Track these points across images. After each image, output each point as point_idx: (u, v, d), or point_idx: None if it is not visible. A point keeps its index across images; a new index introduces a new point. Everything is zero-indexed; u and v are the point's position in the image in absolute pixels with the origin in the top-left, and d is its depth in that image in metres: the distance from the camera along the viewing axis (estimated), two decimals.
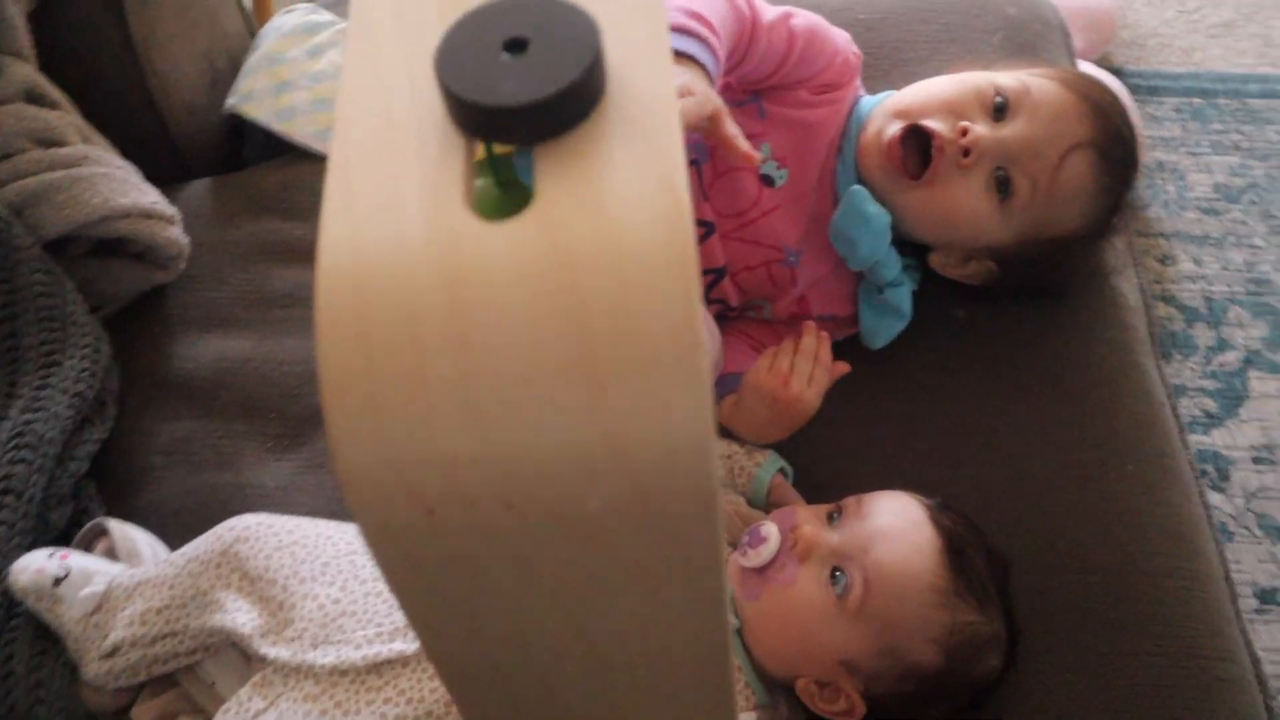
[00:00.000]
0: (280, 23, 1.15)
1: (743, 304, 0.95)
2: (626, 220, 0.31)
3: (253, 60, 1.12)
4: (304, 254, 1.05)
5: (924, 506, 0.76)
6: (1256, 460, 1.41)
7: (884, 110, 0.89)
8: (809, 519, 0.76)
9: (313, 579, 0.74)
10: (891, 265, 0.88)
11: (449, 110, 0.33)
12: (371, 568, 0.76)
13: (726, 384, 0.90)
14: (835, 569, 0.73)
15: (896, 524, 0.75)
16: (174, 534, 0.87)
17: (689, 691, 0.44)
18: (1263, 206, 1.66)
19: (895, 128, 0.86)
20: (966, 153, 0.84)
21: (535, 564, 0.34)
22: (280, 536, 0.77)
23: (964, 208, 0.86)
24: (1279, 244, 1.62)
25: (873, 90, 0.95)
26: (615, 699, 0.44)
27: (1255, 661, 0.82)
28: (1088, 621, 0.81)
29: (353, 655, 0.70)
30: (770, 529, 0.75)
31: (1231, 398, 1.46)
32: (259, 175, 1.11)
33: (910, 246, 0.93)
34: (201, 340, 1.01)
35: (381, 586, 0.73)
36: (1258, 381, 1.48)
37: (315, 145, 1.09)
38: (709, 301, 0.93)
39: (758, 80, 0.90)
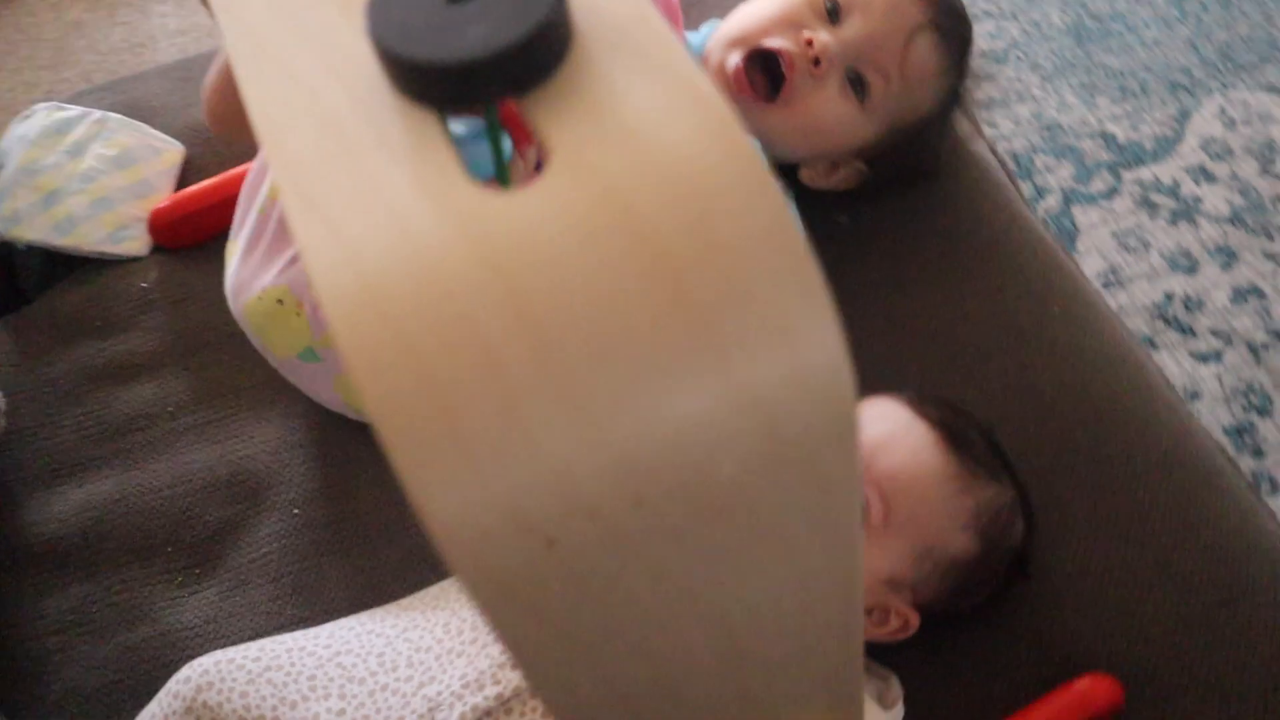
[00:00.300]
0: (23, 131, 1.01)
1: None
2: (668, 141, 0.26)
3: (4, 179, 0.99)
4: (141, 367, 0.94)
5: (905, 403, 0.74)
6: (1106, 285, 1.48)
7: (719, 42, 0.87)
8: None
9: (304, 700, 0.65)
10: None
11: (401, 84, 0.27)
12: (366, 659, 0.68)
13: None
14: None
15: (889, 430, 0.72)
16: (105, 715, 0.77)
17: (821, 678, 0.40)
18: (1029, 60, 1.75)
19: (736, 57, 0.84)
20: (817, 62, 0.83)
21: (668, 563, 0.29)
22: (247, 668, 0.67)
23: (827, 116, 0.85)
24: (1054, 89, 1.70)
25: (694, 25, 0.93)
26: (748, 696, 0.40)
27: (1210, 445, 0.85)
28: (1074, 463, 0.82)
29: None
30: None
31: (1066, 237, 1.53)
32: (54, 300, 0.98)
33: (777, 169, 0.89)
34: (56, 495, 0.88)
35: (385, 678, 0.66)
36: (1081, 215, 1.56)
37: (112, 249, 0.97)
38: None
39: None
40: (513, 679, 0.63)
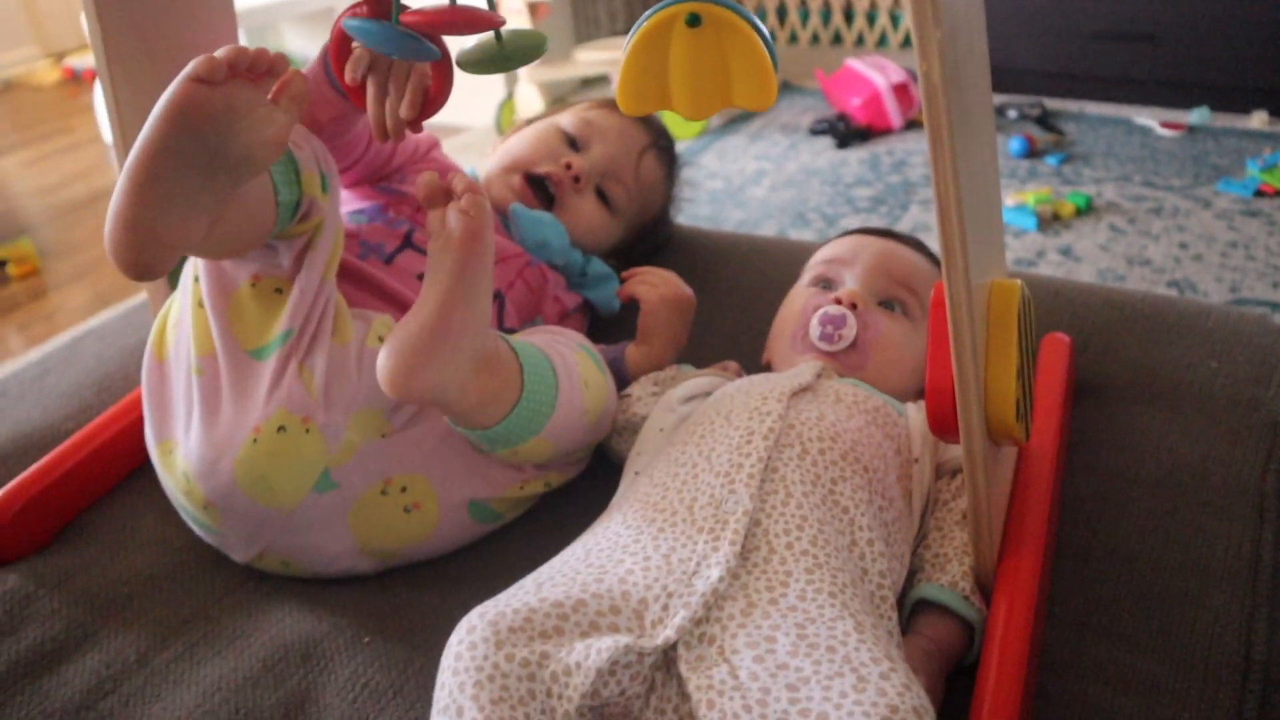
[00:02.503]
0: None
1: (523, 324, 1.01)
2: None
3: None
4: (61, 649, 0.78)
5: (858, 234, 0.97)
6: None
7: (495, 171, 1.10)
8: (827, 296, 0.88)
9: (602, 565, 0.64)
10: (574, 252, 1.06)
11: None
12: (616, 539, 0.70)
13: (611, 355, 0.97)
14: (881, 302, 0.88)
15: (855, 244, 0.94)
16: None
17: None
18: None
19: (516, 179, 1.07)
20: (577, 179, 1.07)
21: None
22: (524, 586, 0.61)
23: (590, 221, 1.09)
24: None
25: None
26: None
27: None
28: None
29: None
30: (838, 312, 0.85)
31: None
32: None
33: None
34: None
35: (650, 531, 0.70)
36: None
37: None
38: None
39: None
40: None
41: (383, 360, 0.71)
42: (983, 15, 0.72)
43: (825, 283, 0.92)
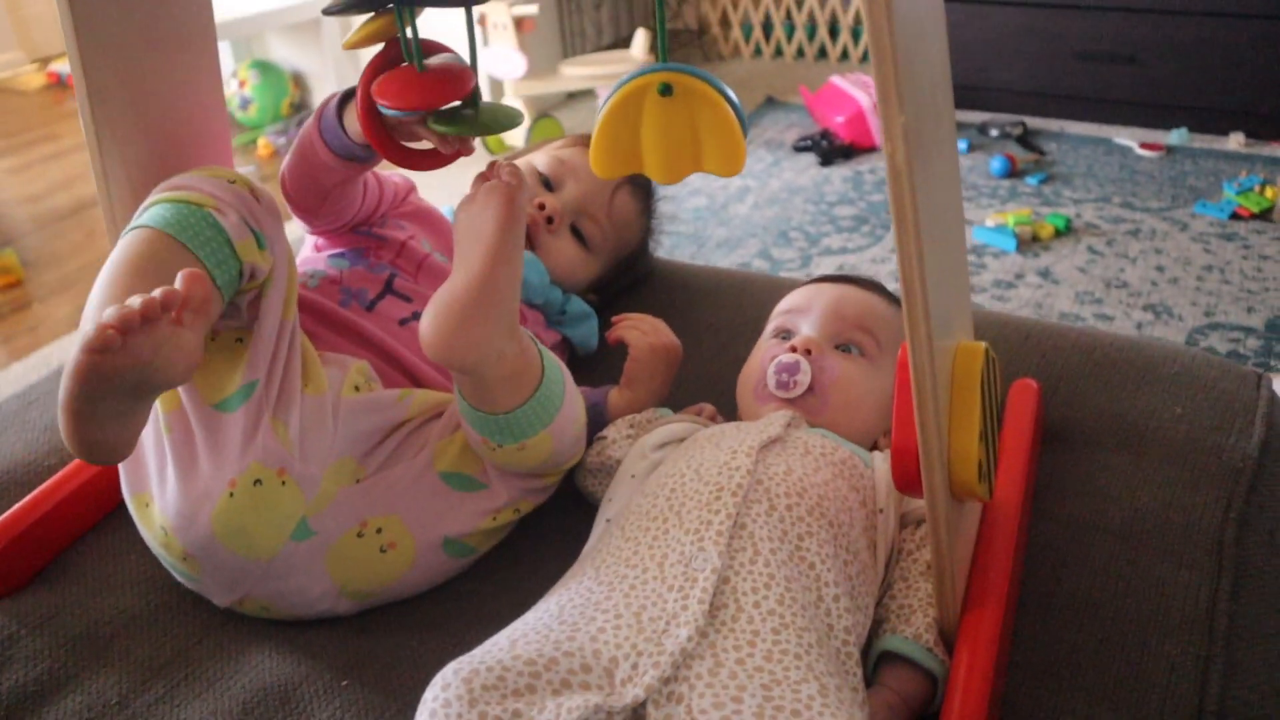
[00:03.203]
0: None
1: None
2: None
3: None
4: (42, 691, 0.79)
5: (814, 284, 0.99)
6: None
7: None
8: (783, 346, 0.90)
9: (575, 623, 0.65)
10: (553, 290, 1.08)
11: None
12: (586, 600, 0.71)
13: (593, 399, 0.98)
14: (838, 345, 0.91)
15: (811, 292, 0.96)
16: None
17: None
18: None
19: None
20: (550, 220, 1.08)
21: None
22: (498, 643, 0.62)
23: (567, 259, 1.10)
24: None
25: None
26: None
27: None
28: None
29: None
30: (791, 360, 0.88)
31: None
32: None
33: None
34: None
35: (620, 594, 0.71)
36: None
37: None
38: None
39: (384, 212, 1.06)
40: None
41: (427, 321, 0.73)
42: (947, 67, 0.74)
43: (784, 333, 0.95)
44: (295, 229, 1.03)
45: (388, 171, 1.06)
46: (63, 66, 4.08)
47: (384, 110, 0.78)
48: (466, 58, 0.81)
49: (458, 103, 0.79)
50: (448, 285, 0.74)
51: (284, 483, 0.79)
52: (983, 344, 0.70)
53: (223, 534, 0.78)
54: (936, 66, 0.69)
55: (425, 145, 0.84)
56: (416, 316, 0.95)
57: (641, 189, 1.19)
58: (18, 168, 3.27)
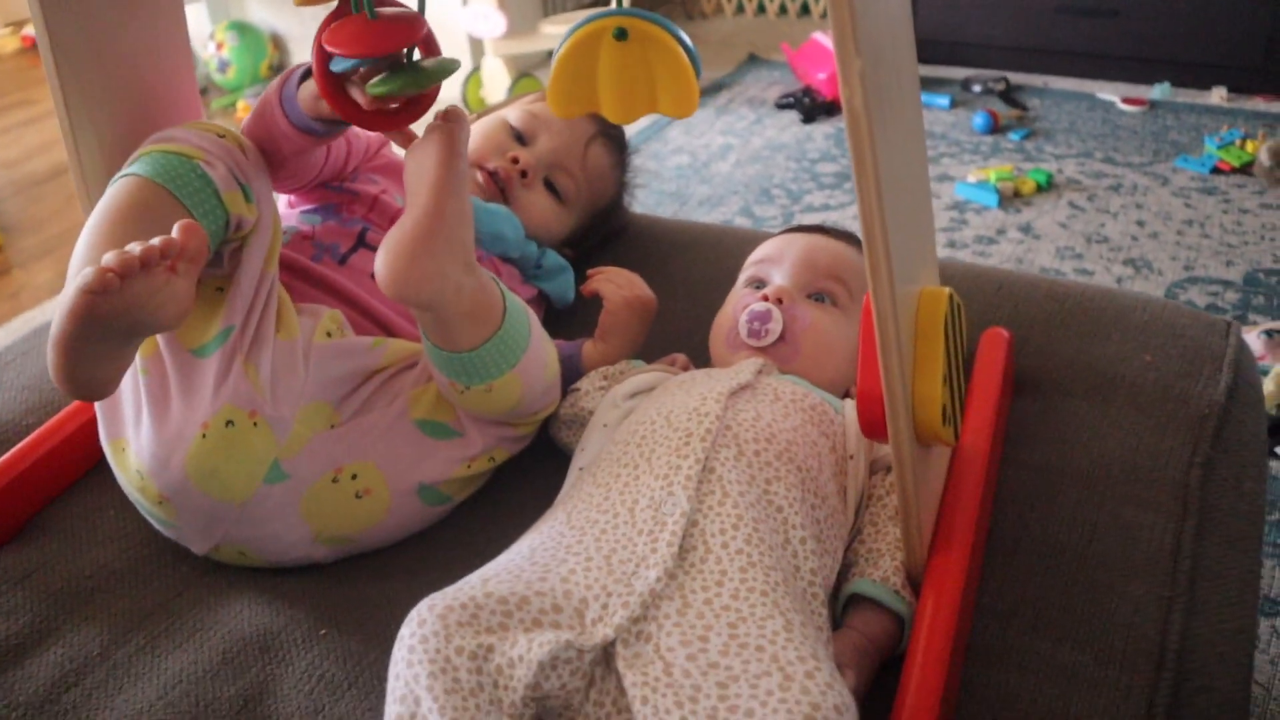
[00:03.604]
0: None
1: None
2: None
3: None
4: (23, 645, 0.80)
5: (784, 233, 1.01)
6: None
7: None
8: (755, 295, 0.91)
9: (548, 564, 0.66)
10: (529, 245, 1.08)
11: None
12: (559, 540, 0.72)
13: (568, 351, 0.98)
14: (810, 294, 0.91)
15: (783, 242, 0.97)
16: None
17: None
18: None
19: (477, 173, 1.08)
20: (524, 174, 1.08)
21: None
22: (470, 581, 0.63)
23: (541, 213, 1.10)
24: None
25: None
26: None
27: None
28: None
29: None
30: (763, 309, 0.88)
31: None
32: None
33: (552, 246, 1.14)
34: None
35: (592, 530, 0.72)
36: None
37: None
38: None
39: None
40: None
41: (381, 259, 0.74)
42: (909, 20, 0.74)
43: (757, 283, 0.95)
44: None
45: None
46: None
47: (338, 61, 0.77)
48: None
49: (396, 63, 0.78)
50: (398, 225, 0.75)
51: (255, 424, 0.80)
52: (947, 289, 0.71)
53: (196, 476, 0.79)
54: (897, 18, 0.69)
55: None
56: None
57: (615, 141, 1.19)
58: None
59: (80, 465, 0.96)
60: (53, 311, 0.69)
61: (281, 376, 0.81)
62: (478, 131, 1.13)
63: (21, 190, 2.82)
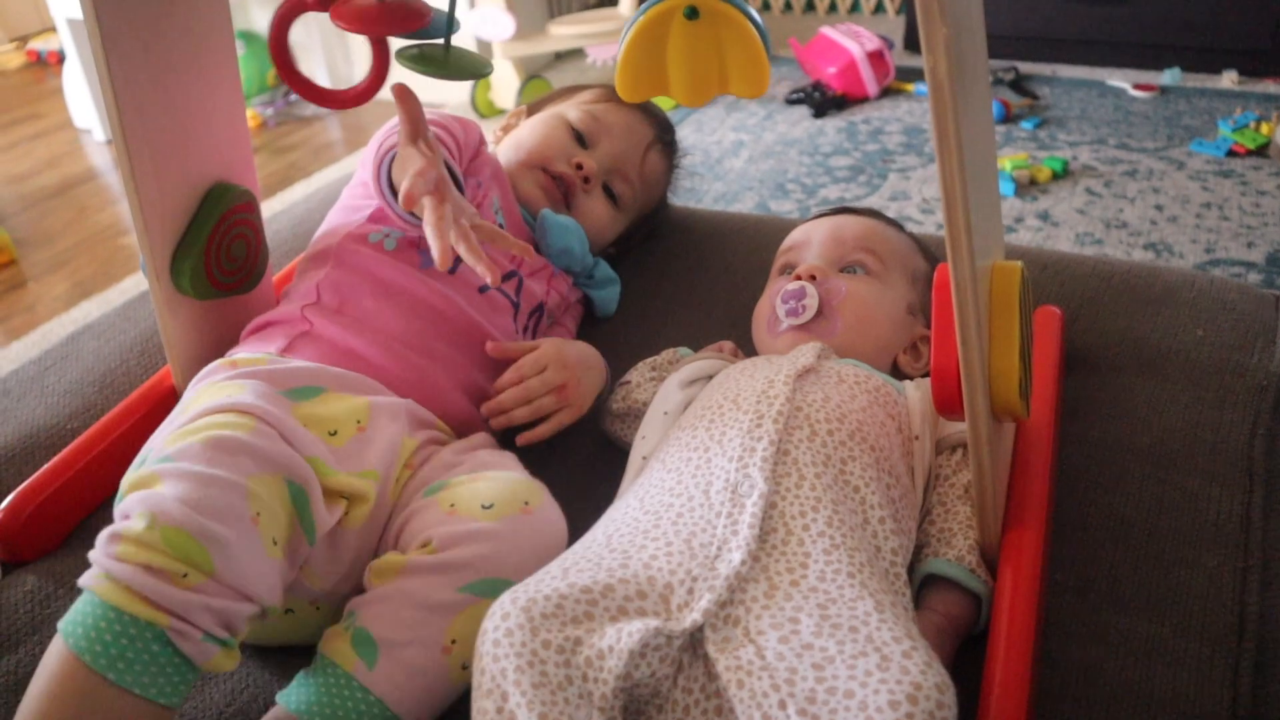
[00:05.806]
0: None
1: (550, 326, 1.07)
2: None
3: None
4: None
5: (820, 216, 1.00)
6: None
7: (514, 165, 1.08)
8: (789, 277, 0.93)
9: (625, 550, 0.65)
10: (589, 257, 1.08)
11: None
12: (635, 524, 0.71)
13: None
14: (842, 269, 0.92)
15: (808, 227, 0.99)
16: None
17: None
18: None
19: (542, 177, 1.07)
20: (587, 180, 1.08)
21: None
22: (550, 571, 0.63)
23: (599, 218, 1.10)
24: None
25: None
26: None
27: None
28: None
29: None
30: (796, 287, 0.89)
31: None
32: None
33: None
34: None
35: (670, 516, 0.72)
36: None
37: None
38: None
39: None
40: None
41: None
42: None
43: (789, 269, 0.96)
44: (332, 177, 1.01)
45: (453, 115, 1.01)
46: (43, 44, 4.03)
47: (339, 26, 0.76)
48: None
49: (433, 42, 0.77)
50: None
51: (318, 608, 0.78)
52: (1018, 263, 0.70)
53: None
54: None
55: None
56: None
57: (670, 147, 1.18)
58: (2, 147, 3.23)
59: (124, 473, 0.95)
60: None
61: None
62: (540, 127, 1.11)
63: (32, 205, 2.81)
